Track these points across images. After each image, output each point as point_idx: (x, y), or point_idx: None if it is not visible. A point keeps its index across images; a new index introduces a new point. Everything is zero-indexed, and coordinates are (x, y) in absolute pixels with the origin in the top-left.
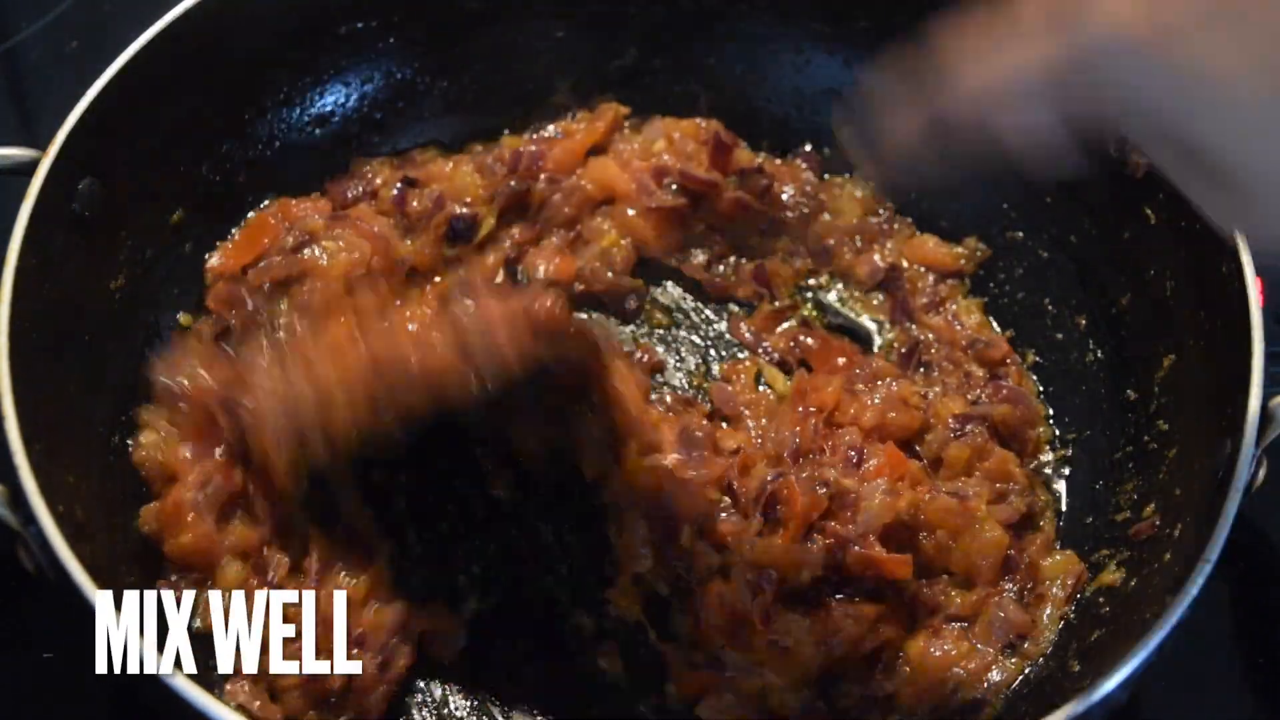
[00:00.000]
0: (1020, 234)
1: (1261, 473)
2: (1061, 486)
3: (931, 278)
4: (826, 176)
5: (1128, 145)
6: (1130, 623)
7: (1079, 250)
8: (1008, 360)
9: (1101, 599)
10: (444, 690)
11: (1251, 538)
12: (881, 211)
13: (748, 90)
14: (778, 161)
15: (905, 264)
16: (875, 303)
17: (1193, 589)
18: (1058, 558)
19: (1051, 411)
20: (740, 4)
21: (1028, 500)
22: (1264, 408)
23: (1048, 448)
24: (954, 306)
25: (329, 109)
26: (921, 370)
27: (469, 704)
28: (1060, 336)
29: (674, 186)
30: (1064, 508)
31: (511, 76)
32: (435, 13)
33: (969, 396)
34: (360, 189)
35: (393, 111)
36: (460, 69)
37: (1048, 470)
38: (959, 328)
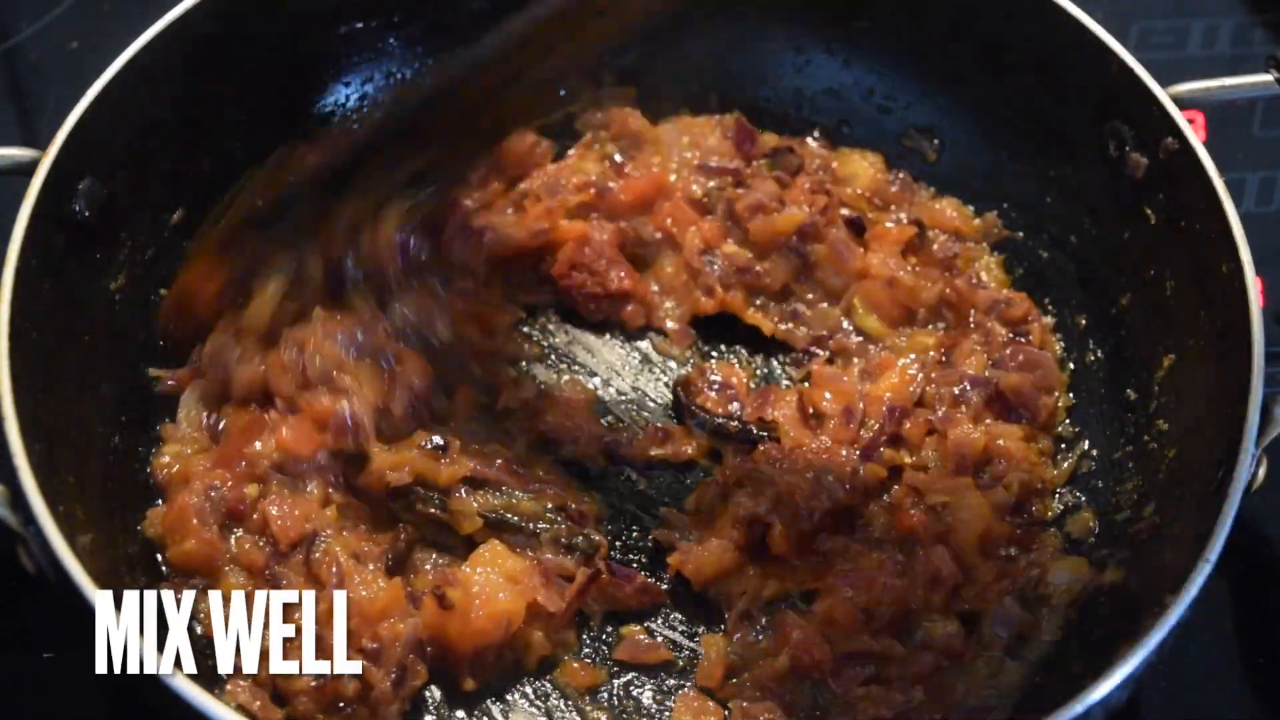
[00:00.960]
0: (1020, 234)
1: (1261, 473)
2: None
3: (946, 237)
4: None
5: (1127, 145)
6: (1130, 623)
7: (1079, 250)
8: (1029, 318)
9: (1101, 599)
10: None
11: (1251, 538)
12: (897, 176)
13: (748, 90)
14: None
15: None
16: None
17: (1193, 589)
18: (1065, 560)
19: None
20: (740, 4)
21: (1021, 478)
22: (1264, 408)
23: (1065, 414)
24: (977, 265)
25: (329, 109)
26: (943, 325)
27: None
28: (1060, 336)
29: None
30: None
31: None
32: (436, 12)
33: (989, 358)
34: None
35: None
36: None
37: (1073, 444)
38: (975, 283)
